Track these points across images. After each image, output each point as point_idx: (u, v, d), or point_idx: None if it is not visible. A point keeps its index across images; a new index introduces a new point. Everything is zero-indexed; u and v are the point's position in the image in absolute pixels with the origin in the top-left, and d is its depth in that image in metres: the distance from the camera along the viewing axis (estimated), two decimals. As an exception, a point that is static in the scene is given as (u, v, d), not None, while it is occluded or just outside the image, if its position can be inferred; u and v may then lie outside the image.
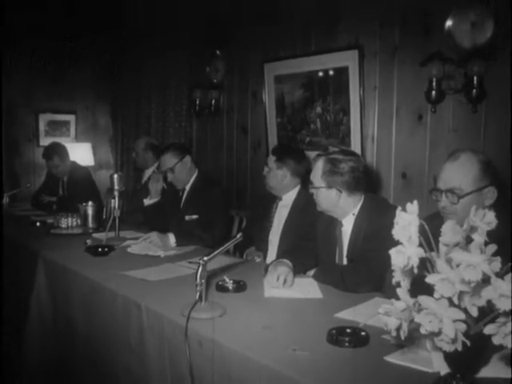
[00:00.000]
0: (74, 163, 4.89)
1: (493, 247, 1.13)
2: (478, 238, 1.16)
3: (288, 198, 3.19)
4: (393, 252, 1.18)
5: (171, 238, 3.07)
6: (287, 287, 2.22)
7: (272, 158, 3.17)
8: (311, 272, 2.53)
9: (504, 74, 2.83)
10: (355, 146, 3.66)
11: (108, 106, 6.43)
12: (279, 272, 2.24)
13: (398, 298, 1.23)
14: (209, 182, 3.55)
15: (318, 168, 2.39)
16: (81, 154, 5.71)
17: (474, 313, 1.14)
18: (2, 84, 5.01)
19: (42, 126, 6.08)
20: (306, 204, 2.94)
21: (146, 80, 5.60)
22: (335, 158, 2.35)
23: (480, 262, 1.07)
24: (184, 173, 3.49)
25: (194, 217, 3.37)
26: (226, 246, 2.05)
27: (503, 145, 2.93)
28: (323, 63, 3.86)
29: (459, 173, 1.98)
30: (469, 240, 1.19)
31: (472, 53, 2.94)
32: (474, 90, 2.98)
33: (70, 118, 6.28)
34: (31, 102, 5.95)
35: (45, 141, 5.72)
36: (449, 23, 3.01)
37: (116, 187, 3.33)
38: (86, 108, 6.38)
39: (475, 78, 2.95)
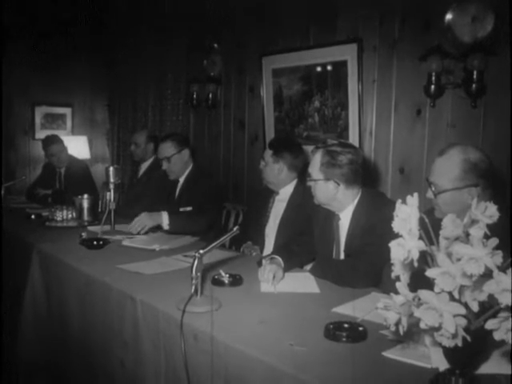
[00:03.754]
0: (71, 157, 4.93)
1: (494, 240, 1.11)
2: (479, 231, 1.14)
3: (285, 193, 3.16)
4: (393, 245, 1.16)
5: (164, 215, 3.06)
6: (275, 283, 2.19)
7: (268, 152, 3.14)
8: (308, 266, 2.51)
9: (504, 69, 2.81)
10: (353, 141, 3.62)
11: (105, 100, 6.39)
12: (268, 268, 2.22)
13: (396, 292, 1.21)
14: (203, 174, 3.60)
15: (316, 160, 2.36)
16: (77, 147, 5.68)
17: (475, 307, 1.12)
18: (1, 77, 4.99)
19: (37, 119, 6.06)
20: (302, 198, 2.92)
21: (143, 73, 5.57)
22: (334, 151, 2.32)
23: (483, 255, 1.05)
24: (179, 165, 3.54)
25: (189, 208, 3.38)
26: (222, 239, 2.03)
27: (502, 140, 2.92)
28: (322, 57, 3.83)
29: (440, 169, 1.99)
30: (467, 234, 1.17)
31: (472, 47, 2.92)
32: (474, 85, 2.95)
33: (67, 110, 6.26)
34: (27, 95, 5.92)
35: (41, 134, 5.71)
36: (449, 17, 2.99)
37: (112, 180, 3.32)
38: (83, 101, 6.35)
39: (475, 72, 2.93)
